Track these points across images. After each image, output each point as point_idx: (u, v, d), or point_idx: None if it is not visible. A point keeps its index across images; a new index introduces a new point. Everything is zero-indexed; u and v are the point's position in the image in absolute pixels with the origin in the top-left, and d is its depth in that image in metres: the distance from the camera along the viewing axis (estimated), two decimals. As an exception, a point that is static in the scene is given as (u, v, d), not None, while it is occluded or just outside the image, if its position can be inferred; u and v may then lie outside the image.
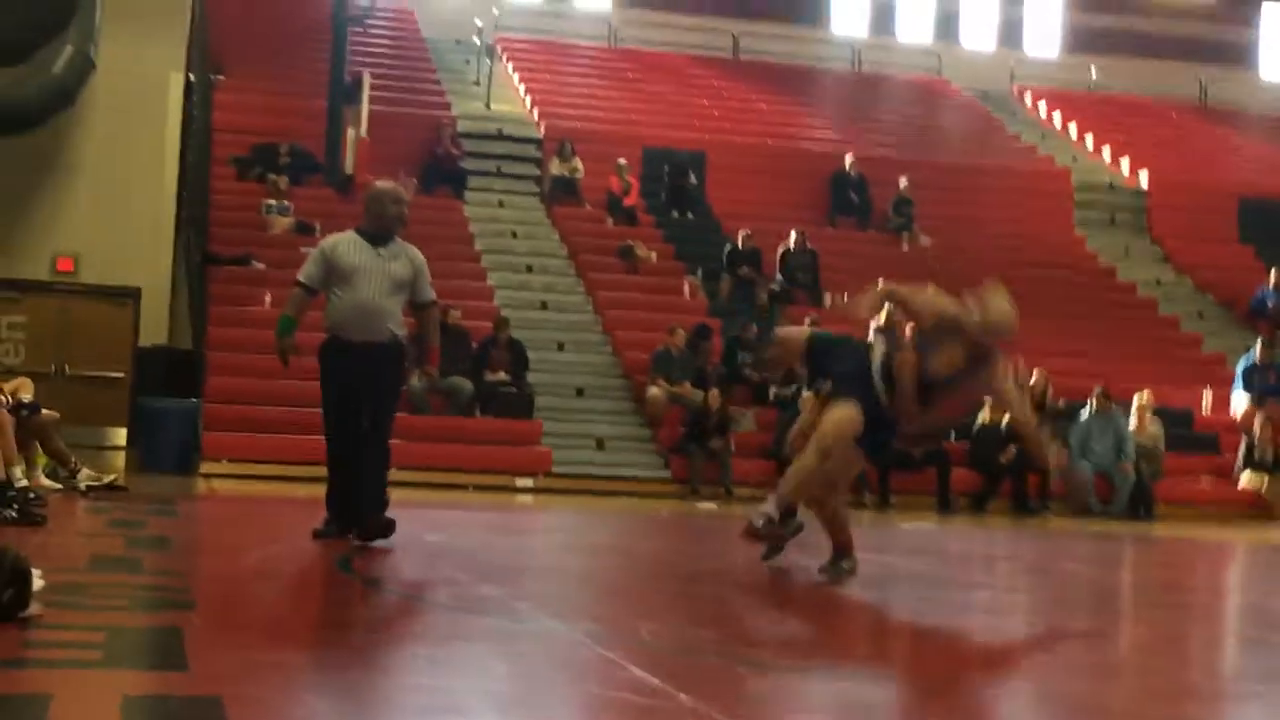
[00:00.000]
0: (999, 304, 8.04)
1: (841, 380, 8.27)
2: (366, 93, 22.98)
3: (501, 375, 18.77)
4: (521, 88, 28.01)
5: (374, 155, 22.50)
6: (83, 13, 18.08)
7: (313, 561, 8.68)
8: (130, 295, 21.39)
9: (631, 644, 5.85)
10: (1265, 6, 34.61)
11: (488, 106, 26.69)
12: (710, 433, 18.39)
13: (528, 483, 17.97)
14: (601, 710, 4.64)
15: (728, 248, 22.66)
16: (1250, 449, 19.80)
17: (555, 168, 24.44)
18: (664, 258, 22.96)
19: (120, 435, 20.37)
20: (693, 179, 24.94)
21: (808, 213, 24.97)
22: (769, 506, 8.11)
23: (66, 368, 20.93)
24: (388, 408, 9.25)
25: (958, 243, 24.80)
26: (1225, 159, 30.04)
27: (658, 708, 4.57)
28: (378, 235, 9.14)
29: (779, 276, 22.51)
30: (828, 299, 22.29)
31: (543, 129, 25.82)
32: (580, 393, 19.69)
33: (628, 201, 24.02)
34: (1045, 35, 33.88)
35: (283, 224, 21.33)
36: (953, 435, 18.33)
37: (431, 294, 9.39)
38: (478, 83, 27.51)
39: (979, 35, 33.61)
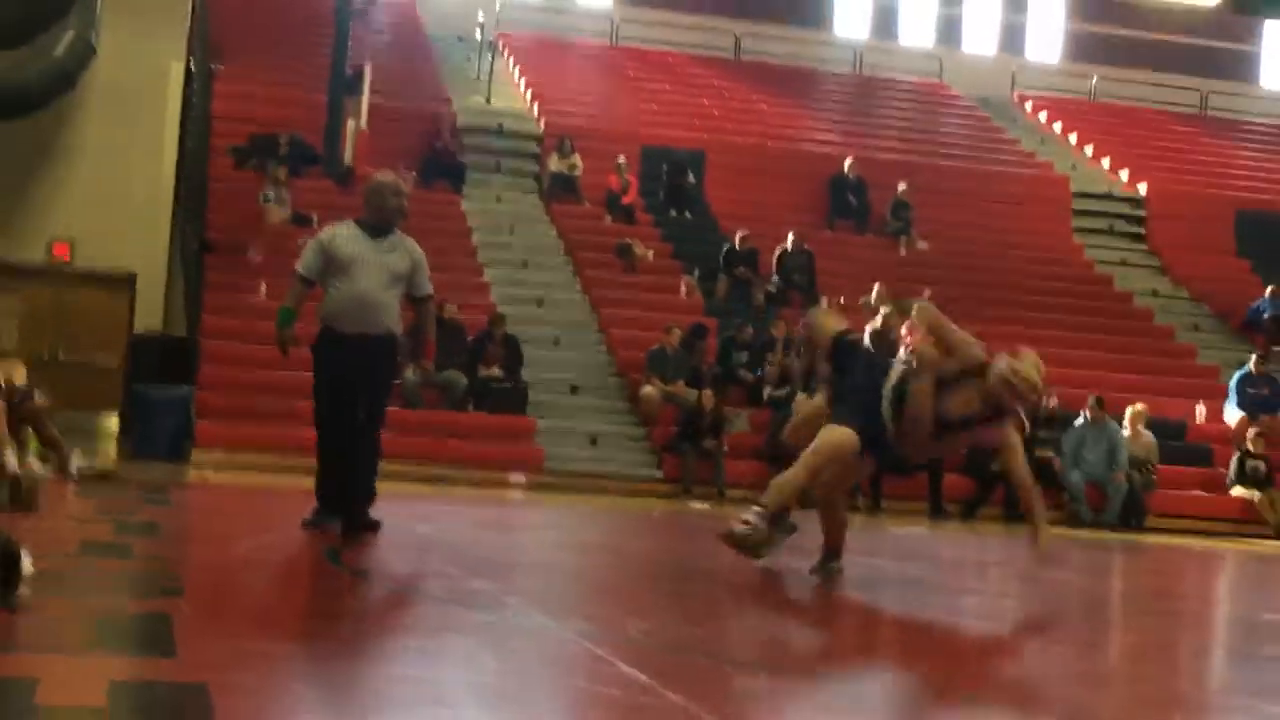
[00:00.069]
0: (1028, 369, 7.99)
1: (850, 394, 8.23)
2: (367, 85, 22.97)
3: (496, 371, 18.76)
4: (522, 84, 28.00)
5: (373, 148, 22.49)
6: (84, -1, 18.09)
7: (303, 552, 8.67)
8: (125, 282, 21.35)
9: (621, 641, 5.84)
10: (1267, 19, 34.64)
11: (488, 102, 26.68)
12: (704, 433, 18.38)
13: (520, 478, 17.95)
14: (589, 706, 4.62)
15: (725, 248, 22.65)
16: (1242, 462, 19.80)
17: (554, 164, 24.43)
18: (661, 256, 22.94)
19: (113, 422, 20.33)
20: (691, 178, 24.93)
21: (806, 215, 24.97)
22: (751, 514, 8.10)
23: (60, 353, 20.90)
24: (381, 401, 9.24)
25: (955, 248, 24.82)
26: (1224, 170, 30.05)
27: (646, 705, 4.56)
28: (377, 227, 9.12)
29: (775, 278, 22.50)
30: (824, 302, 22.27)
31: (542, 125, 25.82)
32: (574, 390, 19.68)
33: (626, 200, 24.01)
34: (1047, 42, 33.90)
35: (280, 214, 21.29)
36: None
37: (429, 288, 9.36)
38: (479, 78, 27.50)
39: (980, 40, 33.63)
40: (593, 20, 31.37)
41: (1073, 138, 30.61)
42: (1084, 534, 16.85)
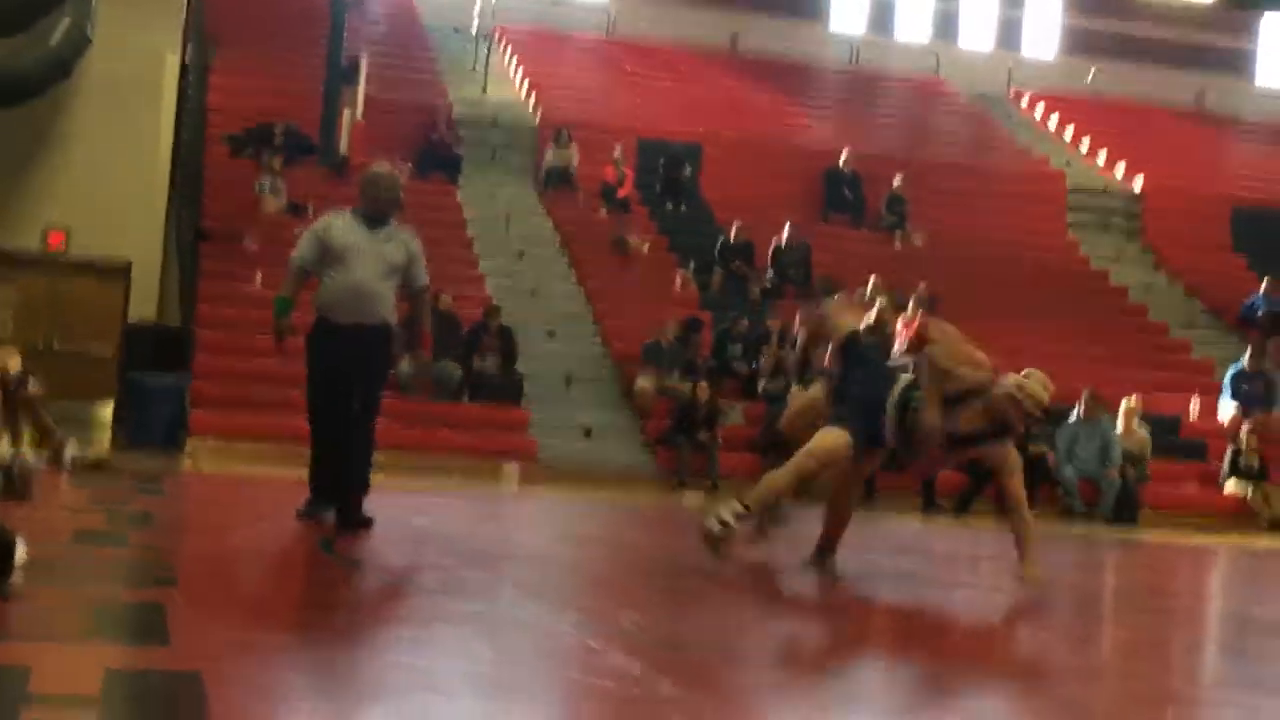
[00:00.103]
0: (1035, 386, 7.98)
1: (853, 397, 8.20)
2: (363, 76, 22.95)
3: (490, 362, 18.76)
4: (518, 76, 27.98)
5: (369, 138, 22.48)
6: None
7: (296, 541, 8.67)
8: (121, 270, 21.34)
9: (614, 633, 5.85)
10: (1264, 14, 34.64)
11: (484, 93, 26.67)
12: (698, 425, 18.39)
13: (514, 470, 17.96)
14: (582, 696, 4.63)
15: (720, 241, 22.65)
16: (1236, 457, 19.83)
17: (550, 156, 24.42)
18: (657, 249, 22.94)
19: (107, 411, 20.33)
20: (688, 171, 24.93)
21: (802, 209, 24.97)
22: (729, 513, 8.11)
23: (55, 342, 20.89)
24: (375, 391, 9.21)
25: (951, 243, 24.81)
26: (1220, 166, 30.06)
27: (638, 696, 4.57)
28: (373, 217, 9.10)
29: (770, 272, 22.50)
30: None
31: (539, 117, 25.80)
32: (569, 382, 19.68)
33: (622, 192, 24.00)
34: (1043, 38, 33.88)
35: (275, 204, 21.30)
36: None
37: (425, 279, 9.32)
38: (475, 69, 27.48)
39: (977, 36, 33.61)
40: (589, 13, 31.34)
41: (1069, 133, 30.62)
42: (1077, 529, 16.86)
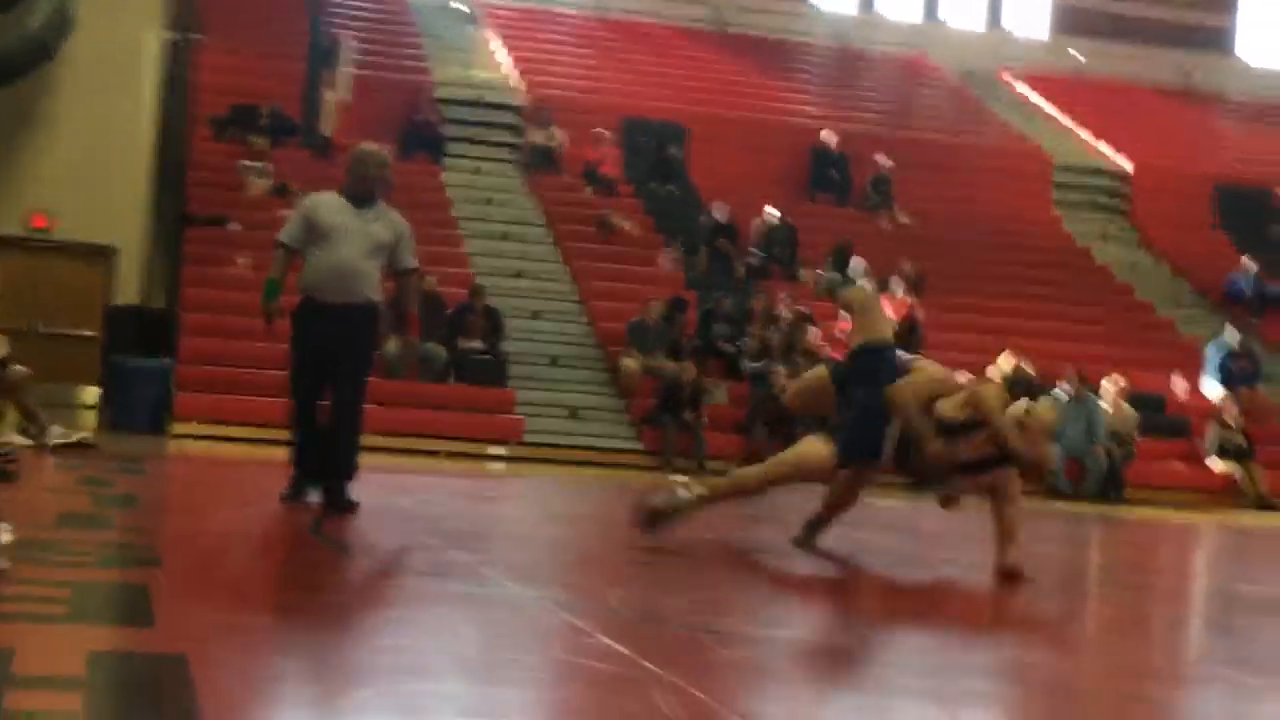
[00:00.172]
0: (1042, 412, 7.92)
1: (857, 411, 8.13)
2: (347, 56, 22.88)
3: (476, 343, 18.75)
4: (503, 55, 27.91)
5: (353, 119, 22.42)
6: (63, -33, 18.00)
7: (282, 523, 8.67)
8: (105, 253, 21.27)
9: (599, 612, 5.86)
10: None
11: (468, 72, 26.59)
12: (683, 405, 18.40)
13: (500, 451, 17.97)
14: (568, 676, 4.64)
15: (705, 220, 22.62)
16: (1221, 435, 19.88)
17: (535, 136, 24.38)
18: (643, 229, 22.92)
19: (92, 394, 20.28)
20: (673, 151, 24.89)
21: (788, 188, 24.97)
22: (685, 490, 8.11)
23: (39, 325, 20.82)
24: (362, 371, 9.17)
25: (938, 222, 24.83)
26: (1205, 145, 30.10)
27: (624, 675, 4.57)
28: (360, 197, 9.05)
29: (755, 250, 22.49)
30: (804, 274, 22.30)
31: (523, 97, 25.75)
32: (554, 362, 19.67)
33: (607, 172, 23.96)
34: (1031, 17, 33.86)
35: (260, 186, 21.25)
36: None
37: (413, 261, 9.27)
38: (459, 49, 27.40)
39: (965, 15, 33.58)
40: (575, -9, 31.27)
41: (1055, 112, 30.61)
42: (1062, 507, 16.91)
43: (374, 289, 9.01)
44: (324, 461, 8.98)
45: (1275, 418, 21.45)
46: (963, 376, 18.11)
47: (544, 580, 7.01)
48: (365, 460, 9.12)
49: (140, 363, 17.68)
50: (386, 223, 9.06)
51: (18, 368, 12.68)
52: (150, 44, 22.02)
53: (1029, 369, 11.70)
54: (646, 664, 4.68)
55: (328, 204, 9.08)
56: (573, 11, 30.70)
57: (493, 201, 23.04)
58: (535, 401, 18.72)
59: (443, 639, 5.20)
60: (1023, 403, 7.95)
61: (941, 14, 33.37)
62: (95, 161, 20.96)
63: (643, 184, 24.29)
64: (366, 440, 9.26)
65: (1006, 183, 26.70)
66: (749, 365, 19.45)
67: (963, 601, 7.55)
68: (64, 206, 20.97)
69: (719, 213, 22.54)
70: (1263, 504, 19.22)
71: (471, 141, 24.66)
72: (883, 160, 25.34)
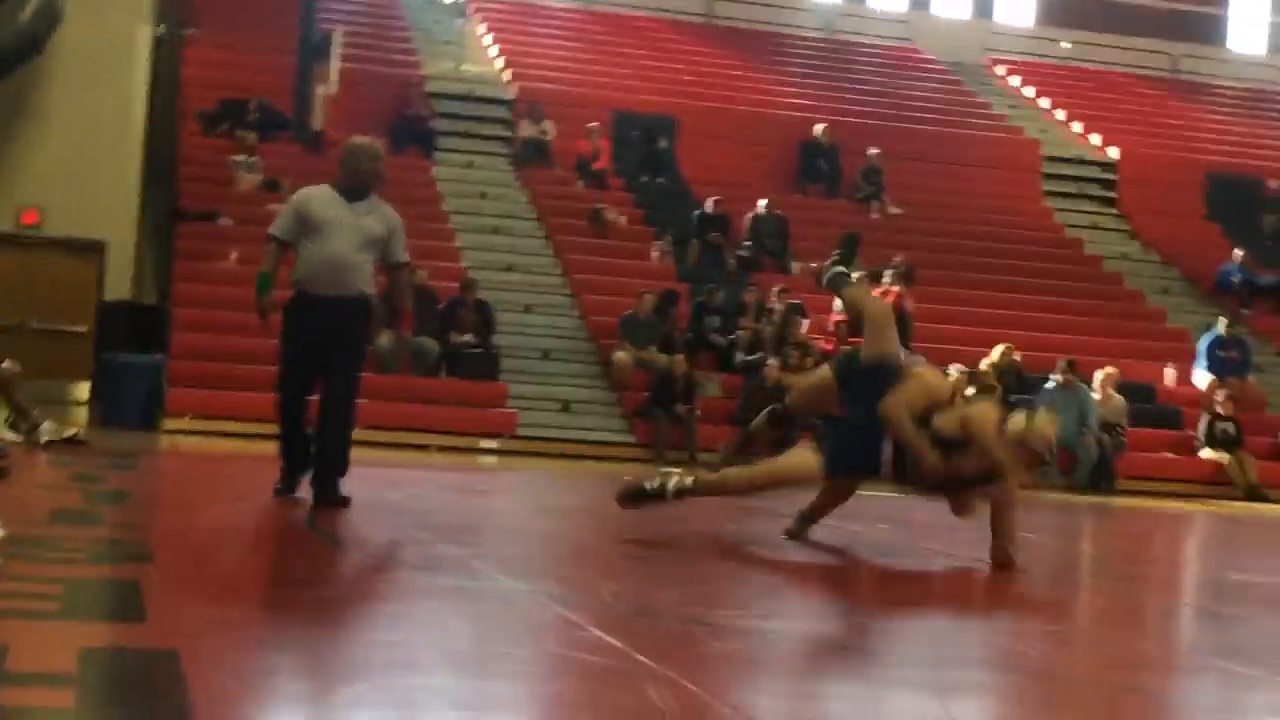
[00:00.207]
0: (1043, 427, 7.90)
1: (849, 431, 8.10)
2: (337, 50, 22.85)
3: (468, 337, 18.74)
4: (493, 48, 27.88)
5: (343, 113, 22.40)
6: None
7: (273, 518, 8.66)
8: (95, 249, 21.23)
9: (593, 605, 5.86)
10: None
11: (459, 66, 26.56)
12: (676, 398, 18.41)
13: (492, 445, 17.97)
14: (561, 670, 4.64)
15: (696, 212, 22.63)
16: (1211, 424, 19.92)
17: (525, 130, 24.36)
18: (634, 222, 22.92)
19: (83, 390, 20.25)
20: (663, 143, 24.89)
21: (777, 179, 24.98)
22: (677, 480, 8.11)
23: (30, 321, 20.79)
24: (355, 365, 9.13)
25: (927, 213, 24.84)
26: (1194, 134, 30.12)
27: (617, 668, 4.57)
28: (352, 190, 9.02)
29: (747, 243, 22.49)
30: (795, 266, 22.33)
31: (514, 90, 25.73)
32: (546, 355, 19.67)
33: (597, 165, 23.96)
34: (1018, 6, 33.86)
35: (250, 180, 21.23)
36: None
37: (405, 255, 9.24)
38: (449, 42, 27.37)
39: (952, 4, 33.57)
40: (564, -15, 31.22)
41: (1044, 102, 30.63)
42: (1053, 497, 16.93)
43: (367, 282, 8.98)
44: (315, 456, 8.97)
45: (1265, 407, 21.50)
46: (954, 368, 18.20)
47: (537, 574, 7.02)
48: (356, 455, 9.11)
49: (132, 358, 17.66)
50: (379, 216, 9.04)
51: (7, 364, 12.66)
52: (139, 38, 21.98)
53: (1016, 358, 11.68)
54: (640, 657, 4.68)
55: (320, 197, 9.04)
56: (562, 4, 30.65)
57: (485, 196, 23.03)
58: (527, 395, 18.72)
59: (435, 633, 5.20)
60: (1022, 417, 7.90)
61: (928, 4, 33.34)
62: (85, 157, 20.92)
63: (633, 177, 24.28)
64: (358, 435, 9.25)
65: (996, 173, 26.73)
66: (741, 357, 19.47)
67: (956, 592, 7.55)
68: (54, 202, 20.93)
69: (710, 206, 22.53)
70: (1253, 493, 19.25)
71: (462, 135, 24.65)
72: (872, 151, 25.34)
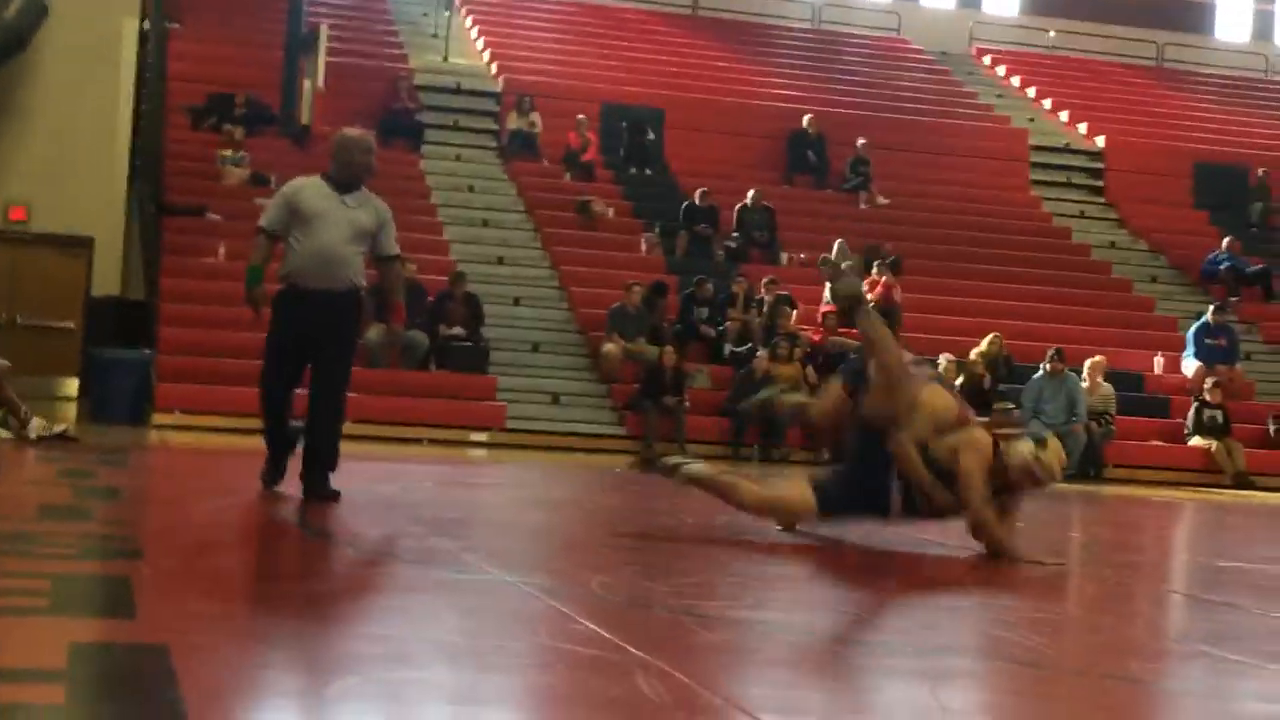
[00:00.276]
0: (1050, 457, 7.88)
1: (855, 466, 8.12)
2: (323, 44, 22.82)
3: (457, 330, 18.74)
4: (480, 41, 27.86)
5: (330, 107, 22.37)
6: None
7: (263, 513, 8.65)
8: (83, 244, 21.22)
9: (583, 597, 5.86)
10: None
11: (446, 60, 26.54)
12: (665, 389, 18.42)
13: (481, 437, 17.98)
14: (551, 661, 4.64)
15: (685, 205, 22.63)
16: (1200, 412, 19.96)
17: (513, 122, 24.35)
18: (622, 214, 22.92)
19: (71, 386, 20.24)
20: (651, 135, 24.88)
21: (765, 171, 24.99)
22: (694, 469, 8.12)
23: (18, 317, 20.77)
24: (345, 358, 9.08)
25: (915, 203, 24.87)
26: (1181, 123, 30.17)
27: (608, 659, 4.58)
28: (343, 183, 8.97)
29: (735, 234, 22.50)
30: (784, 257, 22.36)
31: (501, 83, 25.71)
32: (536, 348, 19.69)
33: (585, 157, 23.96)
34: (1004, -4, 33.88)
35: (238, 175, 21.21)
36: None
37: (395, 248, 9.18)
38: (436, 35, 27.35)
39: (938, -5, 33.56)
40: (550, -24, 31.17)
41: (1031, 91, 30.67)
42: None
43: (357, 274, 8.94)
44: (305, 449, 8.95)
45: (1253, 395, 21.55)
46: (943, 358, 18.22)
47: (527, 566, 7.02)
48: (347, 448, 9.10)
49: (120, 354, 17.64)
50: (369, 209, 9.00)
51: (-3, 361, 12.64)
52: (126, 33, 21.95)
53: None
54: (630, 648, 4.68)
55: (311, 189, 8.99)
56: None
57: (473, 189, 23.03)
58: (517, 388, 18.73)
59: (426, 626, 5.20)
60: (1030, 444, 7.88)
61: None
62: (72, 152, 20.92)
63: (621, 169, 24.28)
64: (348, 428, 9.23)
65: (983, 162, 26.77)
66: (730, 348, 19.48)
67: (946, 581, 7.57)
68: (41, 198, 20.93)
69: (698, 197, 22.53)
70: (1241, 481, 19.29)
71: (450, 128, 24.63)
72: (860, 141, 25.36)
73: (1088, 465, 18.88)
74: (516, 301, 20.38)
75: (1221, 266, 24.25)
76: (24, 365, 15.03)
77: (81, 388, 19.01)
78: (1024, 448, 7.85)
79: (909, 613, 6.55)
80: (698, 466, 8.17)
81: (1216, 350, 21.28)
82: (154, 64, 23.12)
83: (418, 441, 17.03)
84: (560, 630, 5.09)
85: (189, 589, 5.55)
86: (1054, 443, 8.04)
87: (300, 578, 6.32)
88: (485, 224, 22.16)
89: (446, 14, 27.70)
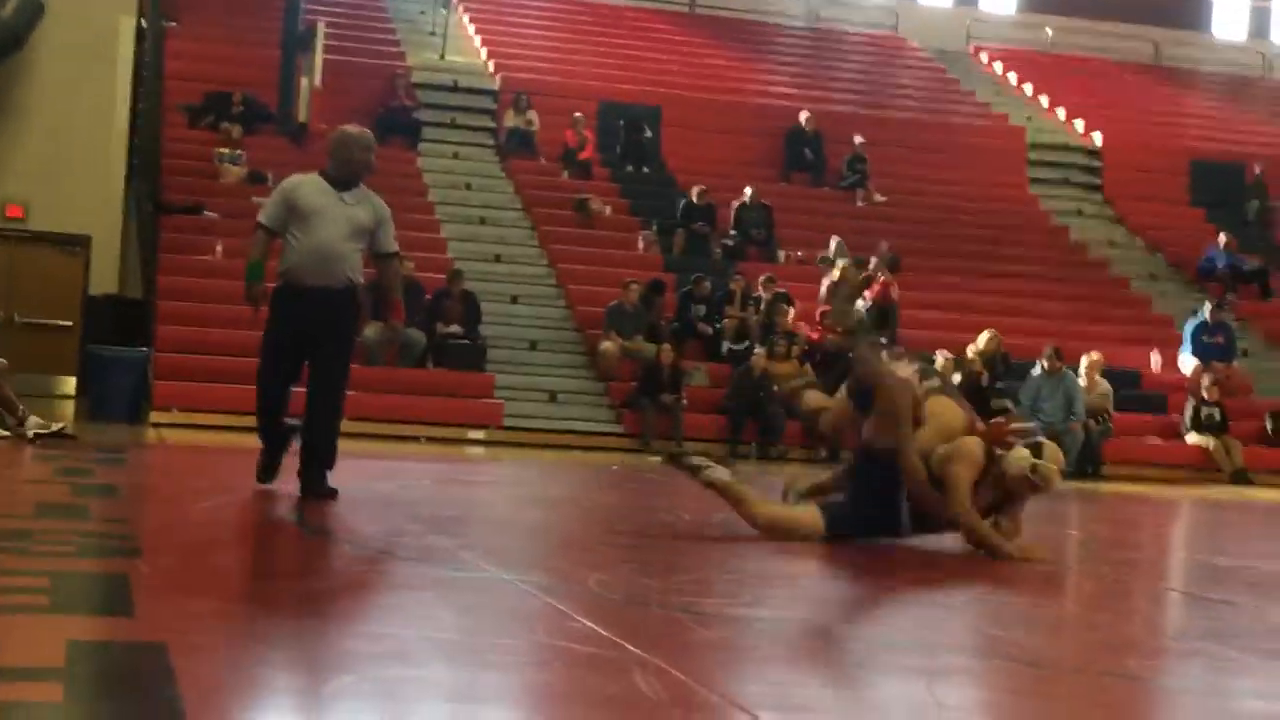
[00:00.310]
0: (1047, 465, 7.89)
1: (863, 494, 8.13)
2: (320, 42, 22.81)
3: (454, 327, 18.73)
4: (477, 39, 27.85)
5: (328, 105, 22.36)
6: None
7: (261, 511, 8.66)
8: (80, 243, 21.21)
9: (580, 595, 5.87)
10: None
11: (443, 57, 26.53)
12: (662, 387, 18.41)
13: (479, 435, 17.98)
14: (549, 659, 4.65)
15: (682, 203, 22.62)
16: (1197, 409, 19.96)
17: (510, 120, 24.35)
18: (619, 212, 22.92)
19: (69, 384, 20.24)
20: (648, 133, 24.88)
21: (762, 169, 24.99)
22: (714, 471, 8.13)
23: (16, 315, 20.76)
24: (343, 355, 9.06)
25: (912, 200, 24.86)
26: (1178, 120, 30.18)
27: (604, 657, 4.58)
28: (342, 180, 8.96)
29: (733, 232, 22.50)
30: (781, 255, 22.36)
31: (498, 81, 25.70)
32: (533, 346, 19.68)
33: (583, 155, 23.95)
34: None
35: (235, 173, 21.20)
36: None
37: (394, 245, 9.16)
38: (433, 33, 27.33)
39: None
40: (547, -25, 31.16)
41: (1028, 89, 30.66)
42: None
43: (355, 271, 8.93)
44: (302, 447, 8.95)
45: (1250, 392, 21.56)
46: (940, 355, 18.20)
47: (525, 564, 7.02)
48: (344, 446, 9.10)
49: (118, 352, 17.63)
50: (368, 206, 8.98)
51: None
52: (123, 31, 21.93)
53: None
54: (628, 646, 4.69)
55: (309, 186, 8.97)
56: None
57: (470, 186, 23.02)
58: (514, 385, 18.73)
59: (424, 624, 5.20)
60: (1026, 453, 7.89)
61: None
62: (69, 151, 20.90)
63: (618, 167, 24.28)
64: (346, 426, 9.22)
65: (981, 160, 26.76)
66: (728, 346, 19.48)
67: (942, 578, 7.57)
68: (39, 197, 20.92)
69: (695, 195, 22.52)
70: (1239, 478, 19.30)
71: (447, 126, 24.62)
72: (857, 139, 25.36)
73: (1085, 463, 18.87)
74: (514, 299, 20.37)
75: (1218, 264, 24.25)
76: (22, 363, 15.03)
77: (79, 386, 18.99)
78: (1021, 456, 7.86)
79: (906, 610, 6.55)
80: (720, 473, 8.16)
81: (1214, 347, 21.28)
82: (151, 62, 23.11)
83: (415, 439, 17.03)
84: (558, 628, 5.09)
85: (187, 587, 5.55)
86: (1051, 449, 8.04)
87: (298, 576, 6.33)
88: (483, 222, 22.15)
89: (444, 12, 27.69)
